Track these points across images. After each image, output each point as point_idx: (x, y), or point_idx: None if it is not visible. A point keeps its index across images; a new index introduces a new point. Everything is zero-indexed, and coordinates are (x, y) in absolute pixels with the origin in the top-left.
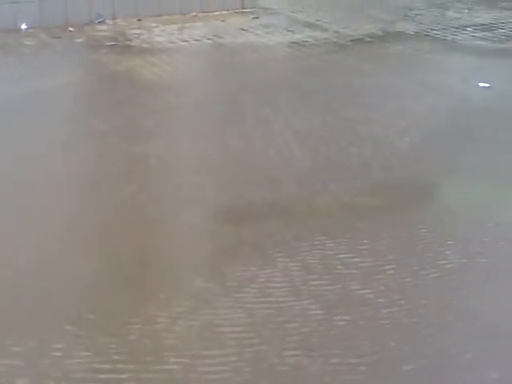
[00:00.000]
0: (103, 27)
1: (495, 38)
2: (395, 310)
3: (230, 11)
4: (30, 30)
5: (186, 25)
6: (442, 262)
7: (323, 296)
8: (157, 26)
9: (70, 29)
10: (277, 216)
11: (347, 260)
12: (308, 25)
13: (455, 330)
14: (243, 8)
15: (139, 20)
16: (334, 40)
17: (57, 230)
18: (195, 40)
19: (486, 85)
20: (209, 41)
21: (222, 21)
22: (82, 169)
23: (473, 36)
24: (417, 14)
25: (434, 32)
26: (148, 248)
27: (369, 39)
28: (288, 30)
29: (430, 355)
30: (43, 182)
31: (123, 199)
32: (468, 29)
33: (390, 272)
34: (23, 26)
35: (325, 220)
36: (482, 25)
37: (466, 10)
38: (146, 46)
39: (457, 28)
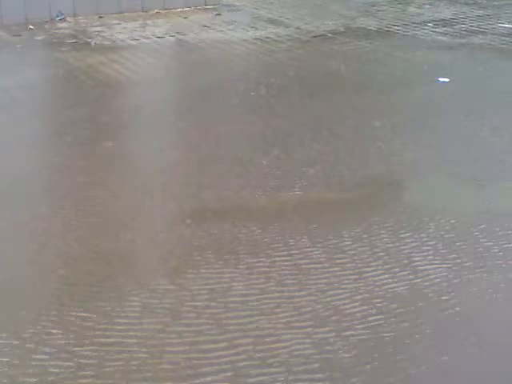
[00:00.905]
0: (64, 25)
1: (455, 33)
2: None
3: (193, 8)
4: None
5: (148, 22)
6: None
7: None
8: (118, 23)
9: (30, 26)
10: (238, 214)
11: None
12: (271, 21)
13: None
14: (206, 5)
15: (100, 17)
16: (297, 36)
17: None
18: (157, 37)
19: (446, 79)
20: (171, 38)
21: (185, 18)
22: (39, 167)
23: (433, 31)
24: (378, 10)
25: (396, 28)
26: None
27: (331, 35)
28: (251, 27)
29: None
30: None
31: (82, 197)
32: (429, 24)
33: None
34: None
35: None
36: (442, 20)
37: (427, 6)
38: (107, 43)
39: (418, 23)
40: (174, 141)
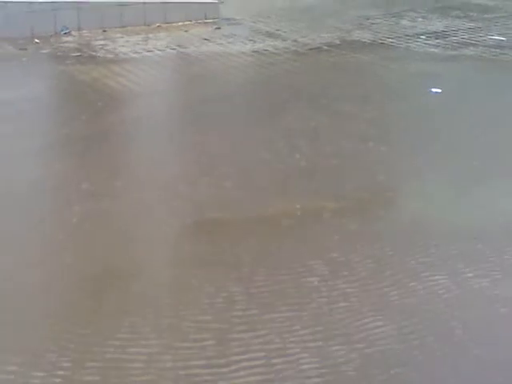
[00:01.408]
0: (69, 38)
1: (447, 45)
2: None
3: (193, 22)
4: None
5: (150, 35)
6: None
7: None
8: (121, 37)
9: (36, 40)
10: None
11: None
12: (269, 34)
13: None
14: (206, 19)
15: (104, 31)
16: (294, 49)
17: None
18: (159, 50)
19: (438, 90)
20: (172, 51)
21: (186, 31)
22: (44, 176)
23: (426, 43)
24: (372, 23)
25: (389, 40)
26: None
27: (326, 48)
28: (249, 40)
29: None
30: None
31: (87, 206)
32: (421, 37)
33: None
34: None
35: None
36: (434, 32)
37: (420, 19)
38: (110, 56)
39: (411, 36)
40: (175, 150)
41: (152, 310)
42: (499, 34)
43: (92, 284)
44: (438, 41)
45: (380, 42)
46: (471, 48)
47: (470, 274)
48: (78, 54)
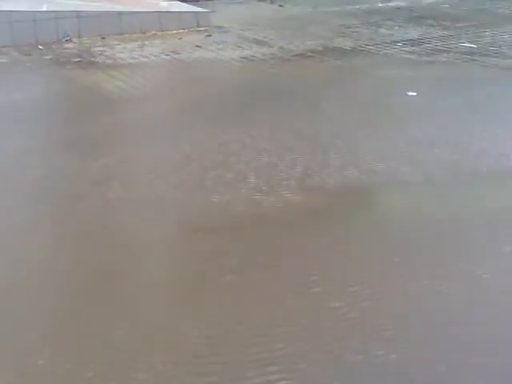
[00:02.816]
0: (70, 45)
1: (422, 52)
2: None
3: (186, 30)
4: (4, 49)
5: (146, 42)
6: None
7: None
8: (119, 44)
9: (40, 47)
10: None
11: None
12: (256, 41)
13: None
14: (198, 27)
15: (103, 38)
16: (279, 55)
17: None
18: (154, 56)
19: (414, 93)
20: (167, 56)
21: (179, 38)
22: (46, 175)
23: (402, 50)
24: (353, 32)
25: (369, 47)
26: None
27: (310, 54)
28: (238, 47)
29: None
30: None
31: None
32: (398, 44)
33: None
34: None
35: None
36: (410, 40)
37: (397, 28)
38: (109, 61)
39: (389, 43)
40: (171, 147)
41: None
42: (470, 42)
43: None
44: (413, 48)
45: (360, 48)
46: (444, 54)
47: None
48: (79, 59)
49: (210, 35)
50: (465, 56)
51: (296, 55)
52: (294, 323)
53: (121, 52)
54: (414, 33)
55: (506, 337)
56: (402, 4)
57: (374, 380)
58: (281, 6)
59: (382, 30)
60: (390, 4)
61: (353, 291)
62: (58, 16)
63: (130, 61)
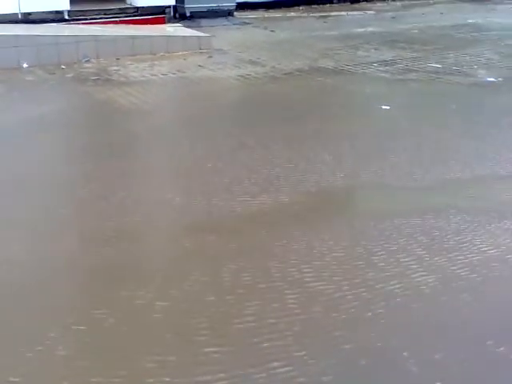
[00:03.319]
0: (89, 65)
1: (395, 71)
2: None
3: (190, 51)
4: (30, 68)
5: (155, 62)
6: None
7: None
8: (132, 64)
9: (63, 66)
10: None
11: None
12: (251, 62)
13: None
14: (200, 49)
15: (117, 59)
16: (271, 74)
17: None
18: (162, 74)
19: (387, 107)
20: (173, 75)
21: (184, 59)
22: (68, 174)
23: (378, 70)
24: (335, 53)
25: (348, 67)
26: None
27: (298, 73)
28: (235, 66)
29: None
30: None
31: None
32: (374, 64)
33: None
34: (24, 65)
35: None
36: (384, 61)
37: (373, 50)
38: (123, 79)
39: (365, 64)
40: (177, 154)
41: None
42: (436, 62)
43: None
44: (387, 67)
45: (341, 68)
46: (414, 73)
47: None
48: (97, 77)
49: (210, 56)
50: (432, 75)
51: (285, 74)
52: None
53: (133, 71)
54: (387, 54)
55: None
56: (378, 29)
57: None
58: (272, 31)
59: (360, 52)
60: (368, 29)
61: None
62: (78, 40)
63: (141, 78)
